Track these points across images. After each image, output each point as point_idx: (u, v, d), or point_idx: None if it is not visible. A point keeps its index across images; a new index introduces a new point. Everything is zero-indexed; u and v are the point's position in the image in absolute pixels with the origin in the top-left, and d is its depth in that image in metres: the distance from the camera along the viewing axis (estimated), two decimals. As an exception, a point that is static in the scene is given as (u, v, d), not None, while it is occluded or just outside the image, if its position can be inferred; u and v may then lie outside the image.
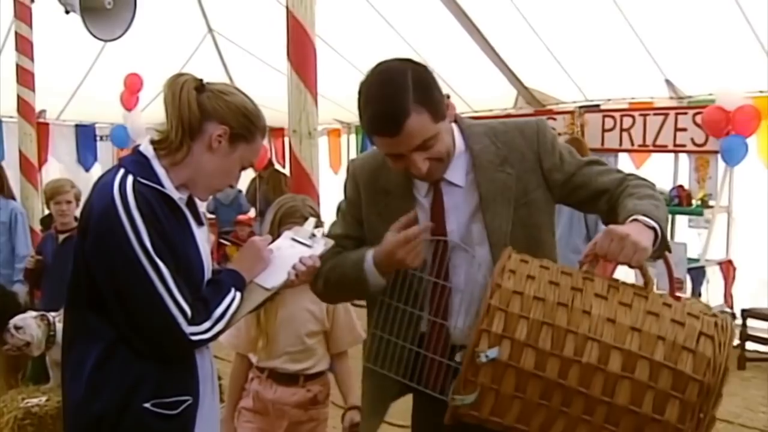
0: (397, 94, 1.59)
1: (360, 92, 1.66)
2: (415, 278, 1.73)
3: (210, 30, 8.68)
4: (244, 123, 1.75)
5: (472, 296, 1.71)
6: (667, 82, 6.35)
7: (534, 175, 1.78)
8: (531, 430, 1.43)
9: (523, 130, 1.82)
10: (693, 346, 1.38)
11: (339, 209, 1.97)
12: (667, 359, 1.38)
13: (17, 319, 3.28)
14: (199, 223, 1.80)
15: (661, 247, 1.54)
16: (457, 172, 1.77)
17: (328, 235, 1.92)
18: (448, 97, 1.71)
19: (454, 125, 1.79)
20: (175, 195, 1.70)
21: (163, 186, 1.68)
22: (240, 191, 9.51)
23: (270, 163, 9.80)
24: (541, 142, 1.80)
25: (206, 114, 1.71)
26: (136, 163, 1.71)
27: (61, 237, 4.22)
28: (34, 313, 3.36)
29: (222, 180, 1.79)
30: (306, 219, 2.05)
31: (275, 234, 2.11)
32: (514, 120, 1.90)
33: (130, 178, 1.64)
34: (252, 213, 9.62)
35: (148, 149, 1.73)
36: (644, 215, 1.52)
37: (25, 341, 3.22)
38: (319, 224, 2.00)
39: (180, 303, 1.62)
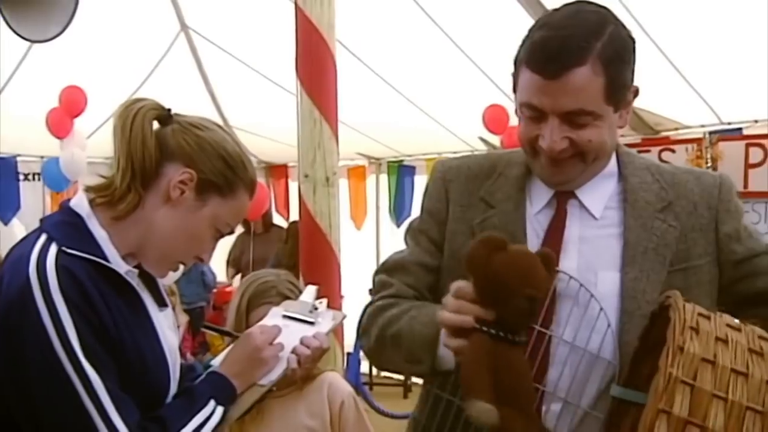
0: (583, 34, 1.69)
1: (536, 22, 1.79)
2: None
3: (184, 27, 8.68)
4: (219, 169, 1.79)
5: (581, 358, 1.77)
6: None
7: (704, 238, 1.85)
8: None
9: (701, 177, 1.93)
10: None
11: (410, 229, 2.06)
12: None
13: None
14: (161, 304, 1.86)
15: None
16: (595, 198, 1.87)
17: (397, 262, 1.99)
18: (636, 92, 1.80)
19: None
20: (122, 268, 1.71)
21: (103, 256, 1.69)
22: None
23: (268, 214, 9.54)
24: (724, 197, 1.88)
25: (167, 152, 1.76)
26: (62, 225, 1.72)
27: None
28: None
29: (185, 247, 1.82)
30: (285, 298, 2.16)
31: (242, 325, 2.30)
32: (684, 166, 2.03)
33: (53, 249, 1.65)
34: (236, 283, 9.51)
35: (81, 203, 1.74)
36: None
37: None
38: (321, 294, 2.10)
39: (116, 427, 1.61)
